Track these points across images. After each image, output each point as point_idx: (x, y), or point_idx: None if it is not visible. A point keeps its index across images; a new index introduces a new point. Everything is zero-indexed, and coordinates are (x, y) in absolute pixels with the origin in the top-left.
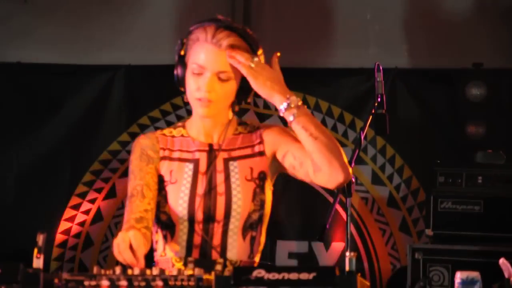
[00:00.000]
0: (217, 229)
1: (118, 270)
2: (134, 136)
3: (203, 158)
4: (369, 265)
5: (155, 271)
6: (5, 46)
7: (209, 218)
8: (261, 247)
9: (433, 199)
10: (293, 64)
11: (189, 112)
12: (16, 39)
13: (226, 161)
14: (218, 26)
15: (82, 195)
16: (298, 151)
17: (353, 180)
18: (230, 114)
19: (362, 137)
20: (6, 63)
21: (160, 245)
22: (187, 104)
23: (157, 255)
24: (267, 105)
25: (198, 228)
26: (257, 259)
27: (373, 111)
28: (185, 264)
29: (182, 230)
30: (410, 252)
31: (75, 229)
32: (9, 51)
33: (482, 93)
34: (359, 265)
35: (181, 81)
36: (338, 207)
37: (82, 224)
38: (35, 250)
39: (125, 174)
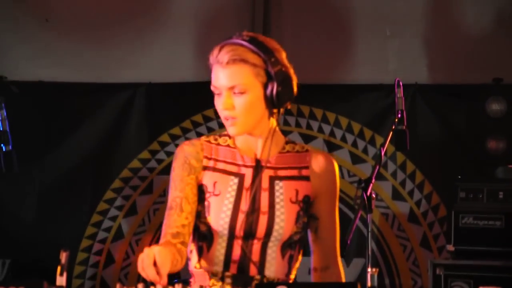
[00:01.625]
0: (257, 245)
1: (140, 286)
2: (154, 153)
3: (249, 173)
4: (390, 281)
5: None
6: (27, 65)
7: (249, 235)
8: (297, 266)
9: (454, 215)
10: (313, 81)
11: (210, 130)
12: (38, 58)
13: (272, 180)
14: (222, 44)
15: (103, 213)
16: (321, 230)
17: (374, 196)
18: (270, 125)
19: (383, 153)
20: (28, 82)
21: (194, 255)
22: (207, 121)
23: (190, 265)
24: (287, 121)
25: (238, 243)
26: (293, 276)
27: (393, 127)
28: (222, 279)
29: (221, 244)
30: (431, 267)
31: (97, 246)
32: (31, 70)
33: (502, 109)
34: (380, 281)
35: None
36: (358, 223)
37: (103, 241)
38: (59, 268)
39: (145, 191)
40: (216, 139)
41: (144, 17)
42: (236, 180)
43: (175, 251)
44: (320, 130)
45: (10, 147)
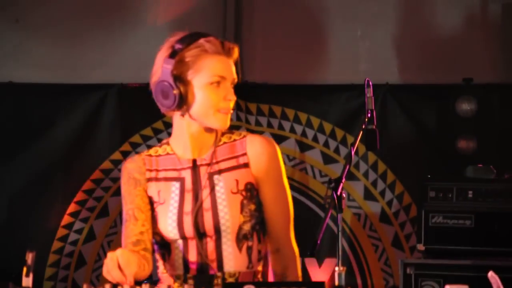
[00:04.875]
0: (211, 243)
1: (107, 287)
2: (126, 154)
3: (188, 175)
4: (362, 281)
5: (144, 287)
6: None
7: (200, 234)
8: (261, 255)
9: (424, 214)
10: (285, 81)
11: None
12: (8, 59)
13: (211, 175)
14: (216, 38)
15: (75, 214)
16: (267, 213)
17: (344, 195)
18: None
19: (353, 153)
20: None
21: (160, 263)
22: None
23: (159, 272)
24: (258, 121)
25: (193, 245)
26: (259, 268)
27: (363, 127)
28: (185, 281)
29: (177, 248)
30: (402, 267)
31: (68, 248)
32: (1, 71)
33: (472, 108)
34: (352, 280)
35: (185, 99)
36: (331, 223)
37: (74, 243)
38: (24, 269)
39: (117, 193)
40: (156, 151)
41: (115, 17)
42: (177, 185)
43: (140, 256)
44: (292, 130)
45: None
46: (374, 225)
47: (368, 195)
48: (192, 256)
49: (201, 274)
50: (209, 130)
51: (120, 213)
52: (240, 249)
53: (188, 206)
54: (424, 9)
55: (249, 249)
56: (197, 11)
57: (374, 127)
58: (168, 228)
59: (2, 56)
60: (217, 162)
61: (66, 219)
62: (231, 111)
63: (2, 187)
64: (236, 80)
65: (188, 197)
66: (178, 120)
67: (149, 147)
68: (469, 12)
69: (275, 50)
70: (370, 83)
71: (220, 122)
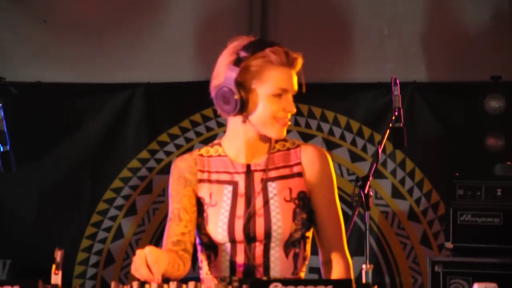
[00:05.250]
0: (259, 248)
1: (135, 285)
2: (154, 153)
3: (241, 179)
4: (391, 279)
5: (172, 285)
6: (25, 66)
7: (249, 239)
8: (306, 263)
9: (452, 212)
10: (311, 80)
11: (208, 129)
12: (36, 59)
13: (264, 182)
14: (282, 48)
15: (103, 213)
16: (321, 221)
17: (371, 193)
18: None
19: (380, 151)
20: (26, 83)
21: (204, 264)
22: (206, 120)
23: (202, 273)
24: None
25: (241, 248)
26: (302, 274)
27: (390, 125)
28: (230, 283)
29: (225, 251)
30: (430, 265)
31: (97, 246)
32: (29, 71)
33: (500, 106)
34: (380, 278)
35: (246, 106)
36: (358, 221)
37: (103, 241)
38: (53, 266)
39: (145, 191)
40: (208, 151)
41: (142, 17)
42: (230, 188)
43: (176, 255)
44: (319, 128)
45: (8, 148)
46: (402, 223)
47: (396, 193)
48: (240, 260)
49: (247, 278)
50: (264, 138)
51: (147, 212)
52: (287, 255)
53: (241, 210)
54: (451, 6)
55: (296, 255)
56: (223, 10)
57: (401, 125)
58: (218, 230)
59: (31, 57)
60: (272, 169)
61: (94, 218)
62: (289, 123)
63: (31, 186)
64: (296, 92)
65: (241, 202)
66: (236, 124)
67: (177, 146)
68: (497, 9)
69: (301, 48)
70: (397, 81)
71: (277, 132)
